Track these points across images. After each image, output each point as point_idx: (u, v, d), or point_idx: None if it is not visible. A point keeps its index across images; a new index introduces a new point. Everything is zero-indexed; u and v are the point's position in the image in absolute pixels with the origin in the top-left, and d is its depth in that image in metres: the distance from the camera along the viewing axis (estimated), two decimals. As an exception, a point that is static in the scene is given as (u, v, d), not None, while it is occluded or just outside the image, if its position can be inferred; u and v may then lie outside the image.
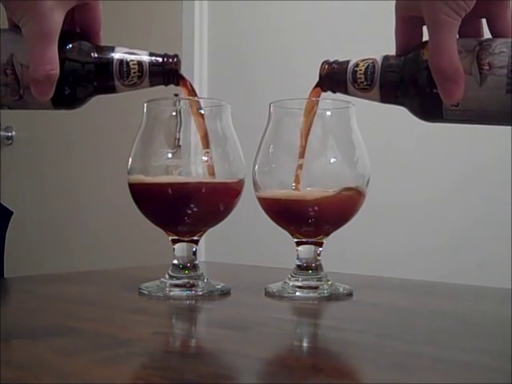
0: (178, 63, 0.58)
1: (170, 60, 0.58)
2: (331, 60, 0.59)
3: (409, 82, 0.54)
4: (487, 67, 0.50)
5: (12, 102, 0.55)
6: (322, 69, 0.60)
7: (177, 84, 0.60)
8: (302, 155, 0.61)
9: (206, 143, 0.61)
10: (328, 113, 0.63)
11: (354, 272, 0.85)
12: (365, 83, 0.56)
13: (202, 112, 0.62)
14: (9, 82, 0.53)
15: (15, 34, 0.52)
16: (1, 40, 0.53)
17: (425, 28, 0.53)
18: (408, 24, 0.55)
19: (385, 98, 0.56)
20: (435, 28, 0.49)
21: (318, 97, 0.61)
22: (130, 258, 1.83)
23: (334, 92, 0.60)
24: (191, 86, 0.61)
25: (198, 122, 0.61)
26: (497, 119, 0.51)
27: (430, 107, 0.53)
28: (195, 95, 0.62)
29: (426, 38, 0.53)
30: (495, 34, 0.52)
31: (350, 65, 0.57)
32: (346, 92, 0.59)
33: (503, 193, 1.33)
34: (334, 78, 0.59)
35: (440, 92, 0.50)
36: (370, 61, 0.56)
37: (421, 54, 0.53)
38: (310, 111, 0.61)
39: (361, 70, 0.56)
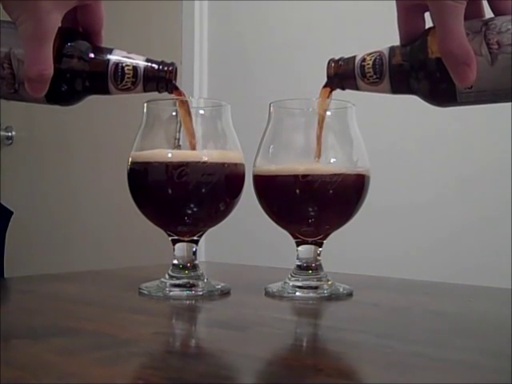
0: (173, 71, 0.59)
1: (166, 68, 0.58)
2: (337, 58, 0.59)
3: (419, 70, 0.54)
4: (496, 46, 0.50)
5: (7, 94, 0.56)
6: (329, 67, 0.60)
7: (170, 92, 0.60)
8: (318, 155, 0.61)
9: (193, 147, 0.61)
10: (328, 113, 0.62)
11: (354, 272, 0.85)
12: (374, 77, 0.56)
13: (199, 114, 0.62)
14: (5, 76, 0.54)
15: (16, 28, 0.53)
16: (2, 34, 0.54)
17: (427, 14, 0.53)
18: (410, 12, 0.55)
19: (396, 89, 0.57)
20: (442, 14, 0.50)
21: (328, 96, 0.61)
22: (130, 258, 1.83)
23: (343, 89, 0.60)
24: (184, 96, 0.61)
25: (187, 126, 0.61)
26: (510, 96, 0.52)
27: (443, 92, 0.53)
28: (189, 108, 0.62)
29: (428, 24, 0.54)
30: (498, 12, 0.52)
31: (357, 60, 0.57)
32: (355, 88, 0.59)
33: (503, 193, 1.33)
34: (342, 75, 0.59)
35: (453, 76, 0.51)
36: (377, 53, 0.56)
37: (428, 41, 0.53)
38: (324, 111, 0.61)
39: (368, 63, 0.56)
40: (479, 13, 0.53)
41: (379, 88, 0.57)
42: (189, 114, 0.61)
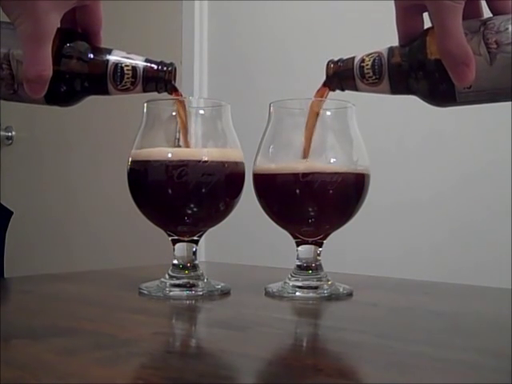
0: (172, 72, 0.59)
1: (165, 68, 0.58)
2: (336, 59, 0.59)
3: (418, 70, 0.54)
4: (495, 46, 0.50)
5: (6, 95, 0.56)
6: (328, 68, 0.60)
7: (170, 93, 0.60)
8: (306, 156, 0.61)
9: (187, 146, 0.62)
10: (328, 113, 0.62)
11: (354, 272, 0.85)
12: (373, 77, 0.56)
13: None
14: (4, 76, 0.54)
15: (15, 29, 0.53)
16: (1, 34, 0.54)
17: (425, 15, 0.53)
18: (408, 13, 0.55)
19: (395, 90, 0.57)
20: (440, 14, 0.50)
21: (325, 96, 0.61)
22: (130, 258, 1.83)
23: (342, 90, 0.60)
24: (181, 96, 0.61)
25: (182, 126, 0.61)
26: (510, 96, 0.52)
27: (442, 92, 0.54)
28: (185, 108, 0.62)
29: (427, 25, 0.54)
30: (496, 11, 0.52)
31: (356, 61, 0.57)
32: (355, 89, 0.59)
33: (503, 193, 1.33)
34: (341, 76, 0.59)
35: (452, 76, 0.51)
36: (376, 54, 0.56)
37: (426, 41, 0.53)
38: (315, 112, 0.61)
39: (367, 64, 0.56)
40: (477, 12, 0.53)
41: (378, 88, 0.57)
42: (184, 114, 0.61)
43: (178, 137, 0.63)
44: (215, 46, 1.84)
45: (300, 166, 0.60)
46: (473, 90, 0.52)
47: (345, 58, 0.59)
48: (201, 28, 1.85)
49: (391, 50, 0.56)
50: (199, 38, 1.85)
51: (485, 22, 0.51)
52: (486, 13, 0.54)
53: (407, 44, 0.55)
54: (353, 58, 0.58)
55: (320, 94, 0.61)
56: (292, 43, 1.66)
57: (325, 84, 0.61)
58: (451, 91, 0.53)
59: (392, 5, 0.56)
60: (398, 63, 0.55)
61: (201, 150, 0.62)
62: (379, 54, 0.56)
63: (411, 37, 0.55)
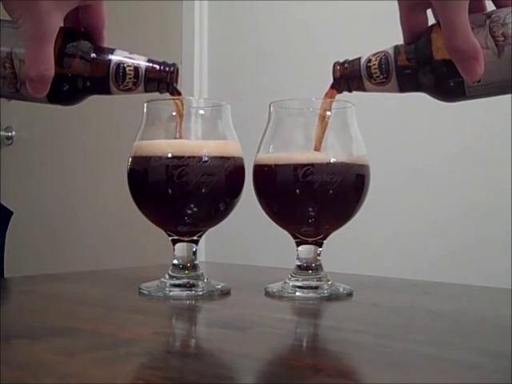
0: (174, 72, 0.59)
1: (167, 69, 0.58)
2: (341, 60, 0.59)
3: (426, 67, 0.54)
4: (502, 38, 0.50)
5: (9, 93, 0.56)
6: (334, 70, 0.60)
7: (171, 93, 0.60)
8: (317, 148, 0.61)
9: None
10: (328, 113, 0.62)
11: (354, 272, 0.85)
12: (381, 77, 0.56)
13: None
14: (7, 75, 0.55)
15: (17, 28, 0.53)
16: (4, 33, 0.54)
17: (429, 12, 0.53)
18: (412, 10, 0.55)
19: (403, 88, 0.57)
20: (446, 10, 0.50)
21: (333, 97, 0.61)
22: (130, 258, 1.83)
23: (350, 91, 0.60)
24: (180, 97, 0.61)
25: (179, 127, 0.62)
26: None
27: (451, 88, 0.54)
28: (182, 103, 0.62)
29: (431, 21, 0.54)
30: (499, 5, 0.53)
31: (363, 61, 0.57)
32: (363, 89, 0.58)
33: (503, 193, 1.33)
34: (348, 77, 0.59)
35: (461, 71, 0.51)
36: (382, 53, 0.56)
37: (432, 38, 0.53)
38: (325, 112, 0.61)
39: (374, 64, 0.56)
40: (482, 7, 0.54)
41: (386, 88, 0.57)
42: (181, 115, 0.62)
43: (177, 137, 0.63)
44: (215, 46, 1.84)
45: (301, 157, 0.60)
46: (482, 84, 0.52)
47: (350, 59, 0.59)
48: (201, 28, 1.85)
49: (397, 48, 0.56)
50: (199, 38, 1.84)
51: (490, 15, 0.52)
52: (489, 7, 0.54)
53: (413, 42, 0.55)
54: (359, 59, 0.58)
55: (328, 96, 0.61)
56: (292, 43, 1.66)
57: (332, 86, 0.61)
58: (460, 86, 0.53)
59: (394, 3, 0.56)
60: (404, 61, 0.55)
61: (199, 141, 0.62)
62: (385, 54, 0.56)
63: (416, 34, 0.55)
